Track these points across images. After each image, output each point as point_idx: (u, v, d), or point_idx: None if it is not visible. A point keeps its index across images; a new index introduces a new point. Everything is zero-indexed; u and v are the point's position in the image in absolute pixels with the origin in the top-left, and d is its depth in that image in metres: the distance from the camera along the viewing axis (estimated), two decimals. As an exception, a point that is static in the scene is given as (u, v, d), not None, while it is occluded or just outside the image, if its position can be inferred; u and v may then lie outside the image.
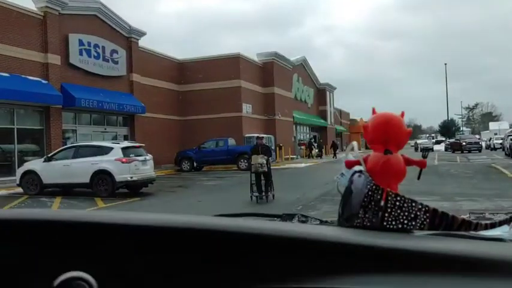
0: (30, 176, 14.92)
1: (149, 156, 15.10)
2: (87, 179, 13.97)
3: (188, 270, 0.75)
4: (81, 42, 22.00)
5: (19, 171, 15.41)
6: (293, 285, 0.64)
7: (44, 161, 15.01)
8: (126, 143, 15.50)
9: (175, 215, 0.83)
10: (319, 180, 15.94)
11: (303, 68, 44.45)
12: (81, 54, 22.00)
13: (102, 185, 13.93)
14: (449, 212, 1.15)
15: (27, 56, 19.24)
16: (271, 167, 11.93)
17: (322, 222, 1.08)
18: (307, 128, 46.79)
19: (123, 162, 13.85)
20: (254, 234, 0.71)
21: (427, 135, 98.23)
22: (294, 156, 36.47)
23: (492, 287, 0.56)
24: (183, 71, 30.94)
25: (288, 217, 1.18)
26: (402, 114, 0.80)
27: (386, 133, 0.77)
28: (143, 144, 16.03)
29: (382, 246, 0.63)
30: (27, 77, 19.04)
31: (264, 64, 34.42)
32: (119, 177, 13.75)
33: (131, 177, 13.87)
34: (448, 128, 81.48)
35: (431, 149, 56.82)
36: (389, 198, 0.70)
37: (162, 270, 0.75)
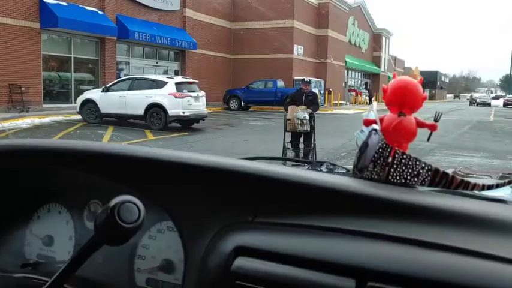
0: (89, 104, 15.48)
1: (202, 93, 15.23)
2: (141, 111, 14.38)
3: (198, 205, 0.85)
4: (136, -26, 22.01)
5: (79, 100, 15.98)
6: (291, 221, 0.74)
7: (102, 91, 15.46)
8: (180, 78, 15.66)
9: (203, 155, 0.92)
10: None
11: (359, 11, 42.75)
12: (136, -14, 22.06)
13: (155, 118, 14.32)
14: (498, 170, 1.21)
15: (84, -14, 19.52)
16: (315, 123, 8.46)
17: (347, 171, 1.15)
18: (359, 74, 45.69)
19: (176, 97, 14.04)
20: (263, 175, 0.81)
21: (486, 89, 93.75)
22: (343, 102, 35.96)
23: (483, 242, 0.62)
24: (236, 8, 30.49)
25: (317, 164, 1.26)
26: (420, 81, 0.87)
27: (402, 97, 0.84)
28: (197, 81, 16.12)
29: (383, 196, 0.72)
30: (84, 7, 19.39)
31: (320, 5, 33.33)
32: (171, 112, 14.02)
33: (183, 112, 14.11)
34: (509, 83, 77.31)
35: (489, 104, 54.48)
36: (397, 155, 0.77)
37: (182, 203, 0.86)
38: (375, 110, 0.86)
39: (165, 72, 24.68)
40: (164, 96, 14.12)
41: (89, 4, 19.64)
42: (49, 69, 19.32)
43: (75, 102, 19.34)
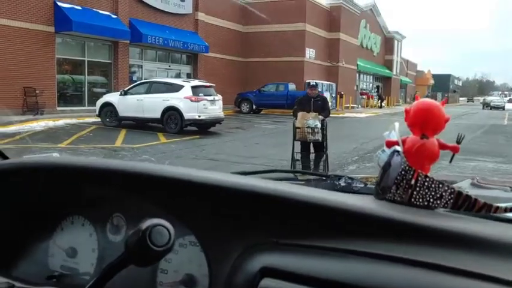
0: (108, 108, 15.57)
1: (218, 97, 15.23)
2: (158, 115, 14.43)
3: (223, 225, 0.88)
4: (150, -22, 22.17)
5: (98, 103, 16.07)
6: (315, 244, 0.76)
7: (120, 95, 15.57)
8: (196, 82, 15.66)
9: (228, 175, 0.95)
10: (379, 131, 15.70)
11: (371, 14, 42.59)
12: (149, -10, 22.22)
13: (171, 121, 14.37)
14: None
15: (98, -10, 19.70)
16: (327, 131, 7.55)
17: (365, 186, 1.16)
18: (371, 77, 45.50)
19: (191, 101, 14.08)
20: (287, 197, 0.83)
21: (500, 92, 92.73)
22: (355, 106, 35.84)
23: (506, 268, 0.63)
24: (248, 11, 30.55)
25: (335, 178, 1.27)
26: (443, 103, 0.89)
27: (425, 119, 0.85)
28: (213, 84, 16.12)
29: (406, 220, 0.74)
30: (98, 10, 19.59)
31: (331, 8, 33.29)
32: (187, 115, 14.06)
33: (199, 116, 14.12)
34: (524, 87, 76.35)
35: (502, 108, 53.85)
36: (419, 178, 0.78)
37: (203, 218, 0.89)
38: (397, 131, 0.88)
39: (178, 76, 24.82)
40: (180, 100, 14.19)
41: (102, 8, 19.83)
42: (63, 73, 19.54)
43: (88, 105, 19.57)
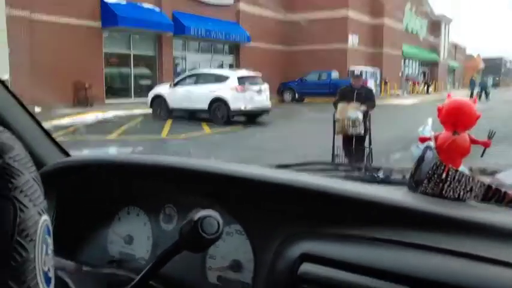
0: (159, 99, 15.85)
1: (265, 86, 15.17)
2: (205, 106, 14.57)
3: (266, 215, 0.95)
4: (191, -30, 22.38)
5: (150, 95, 16.44)
6: (350, 233, 0.82)
7: (170, 87, 15.82)
8: (243, 72, 15.70)
9: (259, 167, 1.03)
10: (424, 118, 15.30)
11: (417, -4, 41.30)
12: (191, -18, 22.45)
13: (218, 112, 14.46)
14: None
15: (142, -16, 20.12)
16: (370, 124, 7.10)
17: (403, 177, 1.20)
18: (417, 63, 44.25)
19: (237, 91, 14.13)
20: (325, 191, 0.89)
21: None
22: (400, 92, 35.03)
23: None
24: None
25: (373, 170, 1.32)
26: (475, 101, 0.93)
27: (456, 116, 0.89)
28: (260, 74, 16.09)
29: (437, 211, 0.78)
30: (142, 4, 20.01)
31: (375, -8, 32.52)
32: (233, 106, 14.09)
33: (245, 107, 14.15)
34: None
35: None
36: (450, 173, 0.83)
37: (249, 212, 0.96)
38: (430, 126, 0.92)
39: (220, 66, 25.04)
40: (226, 90, 14.24)
41: (146, 1, 20.24)
42: (110, 66, 20.13)
43: (135, 97, 20.12)
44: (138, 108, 16.94)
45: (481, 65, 73.38)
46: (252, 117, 14.99)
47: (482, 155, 0.94)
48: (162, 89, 16.18)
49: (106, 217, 1.25)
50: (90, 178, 1.24)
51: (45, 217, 0.46)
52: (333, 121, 6.99)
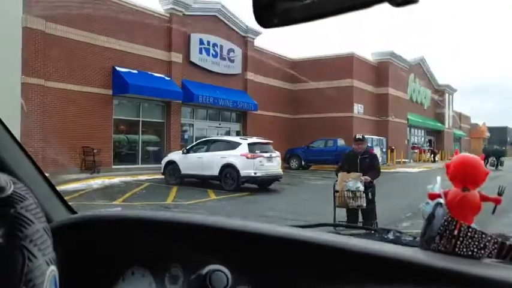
0: (172, 166, 16.00)
1: (276, 153, 15.29)
2: (216, 172, 14.61)
3: (271, 271, 0.91)
4: (201, 41, 23.29)
5: (163, 161, 16.61)
6: None
7: (182, 153, 16.05)
8: (253, 139, 15.85)
9: (274, 226, 0.99)
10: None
11: (420, 67, 42.45)
12: (200, 52, 23.30)
13: (228, 178, 14.48)
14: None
15: (153, 55, 20.88)
16: (375, 196, 6.56)
17: (414, 239, 1.16)
18: (422, 131, 44.67)
19: (247, 158, 14.20)
20: (337, 248, 0.86)
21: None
22: (407, 160, 35.07)
23: None
24: (296, 69, 31.22)
25: (383, 232, 1.28)
26: (482, 158, 0.91)
27: (465, 173, 0.88)
28: (271, 141, 16.26)
29: (451, 268, 0.75)
30: (153, 73, 20.67)
31: (379, 64, 33.51)
32: (243, 172, 14.13)
33: (255, 173, 14.16)
34: None
35: None
36: (462, 229, 0.80)
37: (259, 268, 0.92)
38: (439, 184, 0.90)
39: (227, 133, 25.40)
40: (236, 157, 14.33)
41: (157, 71, 20.92)
42: (119, 132, 20.47)
43: (142, 163, 20.27)
44: (145, 174, 17.02)
45: (487, 134, 73.87)
46: (263, 184, 14.91)
47: (493, 212, 0.91)
48: (175, 156, 16.36)
49: (110, 278, 1.21)
50: (95, 236, 1.21)
51: (52, 267, 0.46)
52: (333, 192, 6.49)
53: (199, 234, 1.05)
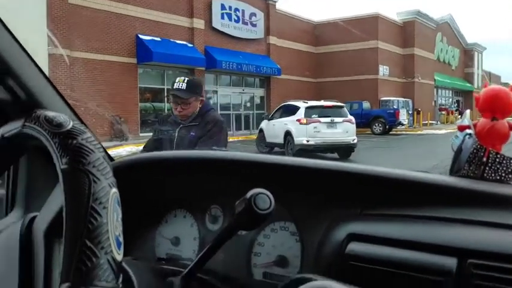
0: (261, 134, 15.37)
1: (341, 118, 13.18)
2: (281, 140, 13.65)
3: (312, 202, 0.98)
4: (223, 7, 23.04)
5: (259, 130, 15.94)
6: (395, 213, 0.84)
7: (267, 120, 15.20)
8: (313, 102, 14.41)
9: (316, 160, 1.05)
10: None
11: (448, 26, 41.11)
12: (222, 18, 23.09)
13: (289, 147, 13.31)
14: None
15: (175, 21, 20.81)
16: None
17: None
18: (450, 92, 43.68)
19: (300, 124, 12.93)
20: (373, 175, 0.92)
21: None
22: (434, 122, 34.50)
23: None
24: (319, 32, 30.73)
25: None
26: (510, 88, 0.94)
27: (494, 103, 0.91)
28: (340, 104, 14.54)
29: (479, 189, 0.80)
30: (175, 40, 20.65)
31: (405, 23, 32.61)
32: (297, 140, 12.87)
33: (307, 141, 12.66)
34: None
35: None
36: (491, 155, 0.84)
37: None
38: (468, 116, 0.94)
39: (251, 99, 25.39)
40: (293, 123, 13.19)
41: (179, 38, 20.88)
42: (145, 101, 20.69)
43: (168, 130, 20.48)
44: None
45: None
46: (321, 152, 13.01)
47: None
48: (263, 124, 15.54)
49: (153, 220, 1.29)
50: (137, 179, 1.27)
51: (114, 190, 0.52)
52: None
53: (241, 170, 1.11)
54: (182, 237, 1.23)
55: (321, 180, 0.99)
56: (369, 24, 29.16)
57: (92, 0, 17.54)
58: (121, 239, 0.51)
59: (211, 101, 23.18)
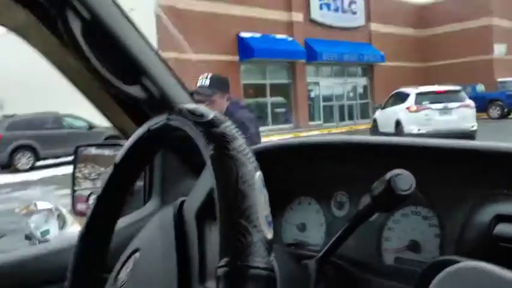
0: (374, 123, 14.93)
1: (457, 104, 11.94)
2: (392, 129, 12.73)
3: (452, 183, 0.92)
4: (321, -3, 22.84)
5: (373, 120, 15.58)
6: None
7: (381, 109, 14.76)
8: (425, 88, 13.43)
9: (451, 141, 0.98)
10: None
11: None
12: (321, 8, 22.85)
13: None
14: None
15: (274, 16, 21.00)
16: None
17: None
18: None
19: (410, 112, 12.09)
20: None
21: None
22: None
23: None
24: (423, 14, 29.12)
25: None
26: None
27: None
28: (455, 88, 13.37)
29: None
30: (275, 35, 20.86)
31: (522, -5, 29.72)
32: (406, 129, 11.91)
33: (418, 130, 11.59)
34: None
35: None
36: None
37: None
38: None
39: (354, 89, 24.85)
40: (402, 111, 12.37)
41: (279, 32, 21.06)
42: (248, 97, 21.19)
43: (272, 125, 20.83)
44: (276, 134, 17.48)
45: None
46: None
47: None
48: (377, 113, 15.00)
49: (280, 207, 1.30)
50: (266, 168, 1.29)
51: (259, 173, 0.54)
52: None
53: (367, 154, 1.08)
54: (308, 223, 1.23)
55: (459, 161, 0.92)
56: (480, 0, 27.00)
57: (193, 3, 18.32)
58: (270, 218, 0.52)
59: (313, 93, 23.11)
